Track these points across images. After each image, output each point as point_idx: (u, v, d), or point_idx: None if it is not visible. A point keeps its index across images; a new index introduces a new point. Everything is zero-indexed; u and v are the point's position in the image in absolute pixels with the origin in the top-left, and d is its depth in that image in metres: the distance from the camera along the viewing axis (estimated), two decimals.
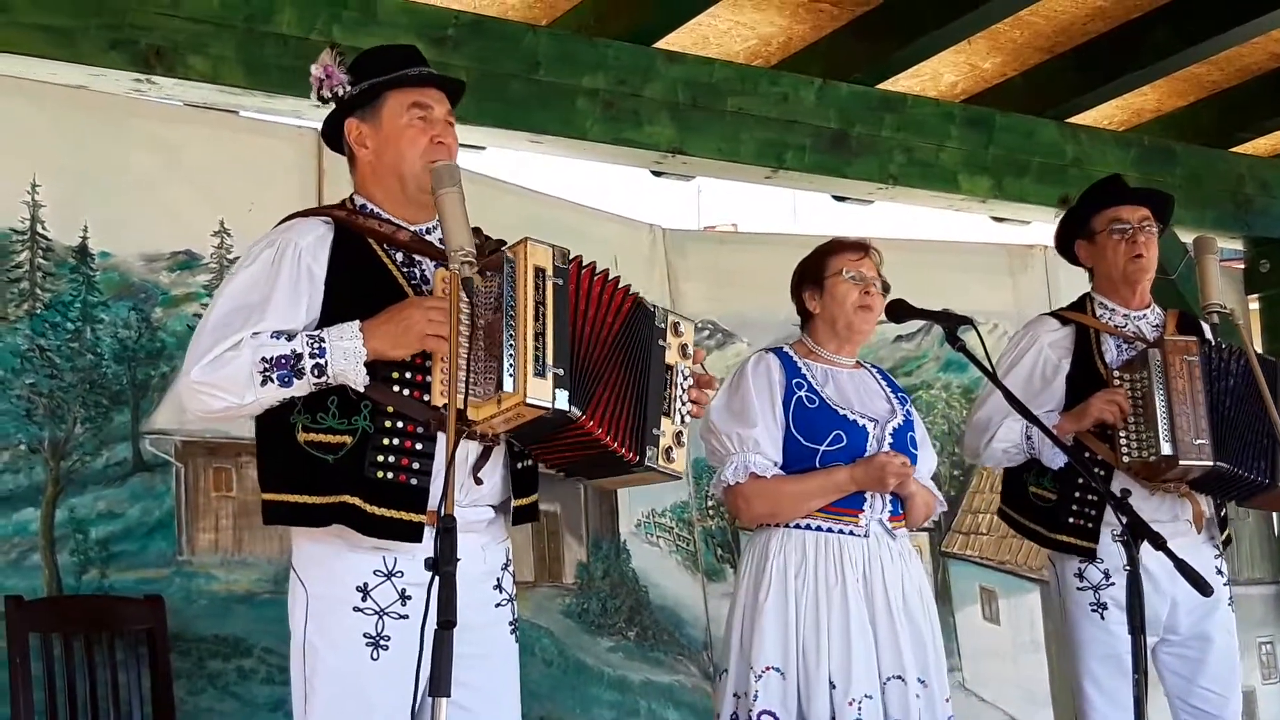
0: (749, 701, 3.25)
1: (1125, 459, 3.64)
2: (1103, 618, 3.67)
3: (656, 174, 5.08)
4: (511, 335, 2.48)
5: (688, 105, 4.75)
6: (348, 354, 2.57)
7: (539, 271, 2.53)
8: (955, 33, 4.78)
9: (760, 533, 3.42)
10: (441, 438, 2.58)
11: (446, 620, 2.13)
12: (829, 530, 3.34)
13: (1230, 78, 5.57)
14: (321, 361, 2.57)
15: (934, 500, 3.52)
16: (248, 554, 4.03)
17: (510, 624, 2.84)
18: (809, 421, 3.38)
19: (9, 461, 3.74)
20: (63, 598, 3.75)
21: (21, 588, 3.65)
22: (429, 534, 2.56)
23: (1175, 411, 3.59)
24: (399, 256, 2.74)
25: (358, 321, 2.59)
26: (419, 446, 2.61)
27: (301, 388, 2.59)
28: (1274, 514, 6.35)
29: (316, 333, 2.60)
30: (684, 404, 2.73)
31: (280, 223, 2.79)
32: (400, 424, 2.61)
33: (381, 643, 2.62)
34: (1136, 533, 2.86)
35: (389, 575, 2.65)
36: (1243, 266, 6.48)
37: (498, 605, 2.80)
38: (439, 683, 2.13)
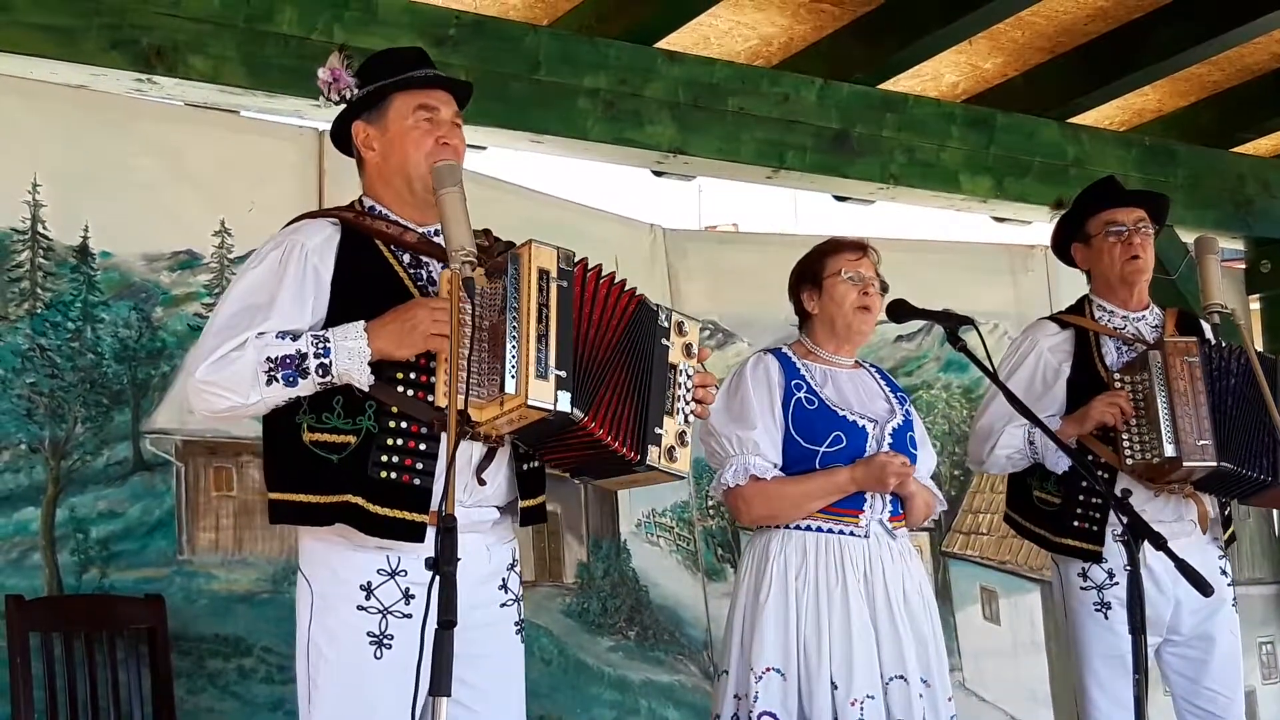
0: (749, 702, 3.25)
1: (1128, 461, 3.64)
2: (1106, 617, 3.68)
3: (657, 174, 5.08)
4: (515, 337, 2.48)
5: (689, 105, 4.74)
6: (352, 354, 2.58)
7: (543, 273, 2.53)
8: (956, 33, 4.78)
9: (760, 534, 3.42)
10: (445, 438, 2.59)
11: (447, 620, 2.13)
12: (829, 531, 3.33)
13: (1231, 78, 5.57)
14: (326, 361, 2.58)
15: (934, 499, 3.52)
16: (248, 553, 4.03)
17: (516, 624, 2.84)
18: (808, 423, 3.38)
19: (9, 461, 3.74)
20: (63, 597, 3.75)
21: (22, 587, 3.65)
22: (431, 534, 2.57)
23: (1177, 413, 3.58)
24: (406, 258, 2.74)
25: (362, 321, 2.60)
26: (423, 447, 2.62)
27: (306, 387, 2.60)
28: (1275, 514, 6.36)
29: (321, 333, 2.61)
30: (688, 403, 2.73)
31: (288, 224, 2.80)
32: (404, 424, 2.62)
33: (385, 641, 2.63)
34: (1136, 533, 2.86)
35: (392, 574, 2.65)
36: (1244, 267, 6.47)
37: (503, 605, 2.81)
38: (439, 682, 2.13)
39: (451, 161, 2.67)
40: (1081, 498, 3.71)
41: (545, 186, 4.95)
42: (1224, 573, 3.81)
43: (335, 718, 2.65)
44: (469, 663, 2.53)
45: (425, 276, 2.73)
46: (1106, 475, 3.69)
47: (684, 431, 2.70)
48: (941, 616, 3.56)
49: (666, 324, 2.73)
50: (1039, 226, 5.77)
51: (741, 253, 5.52)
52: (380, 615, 2.64)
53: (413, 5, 4.24)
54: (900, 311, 3.41)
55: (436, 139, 2.76)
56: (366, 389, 2.60)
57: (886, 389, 3.56)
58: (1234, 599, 3.84)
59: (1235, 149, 6.03)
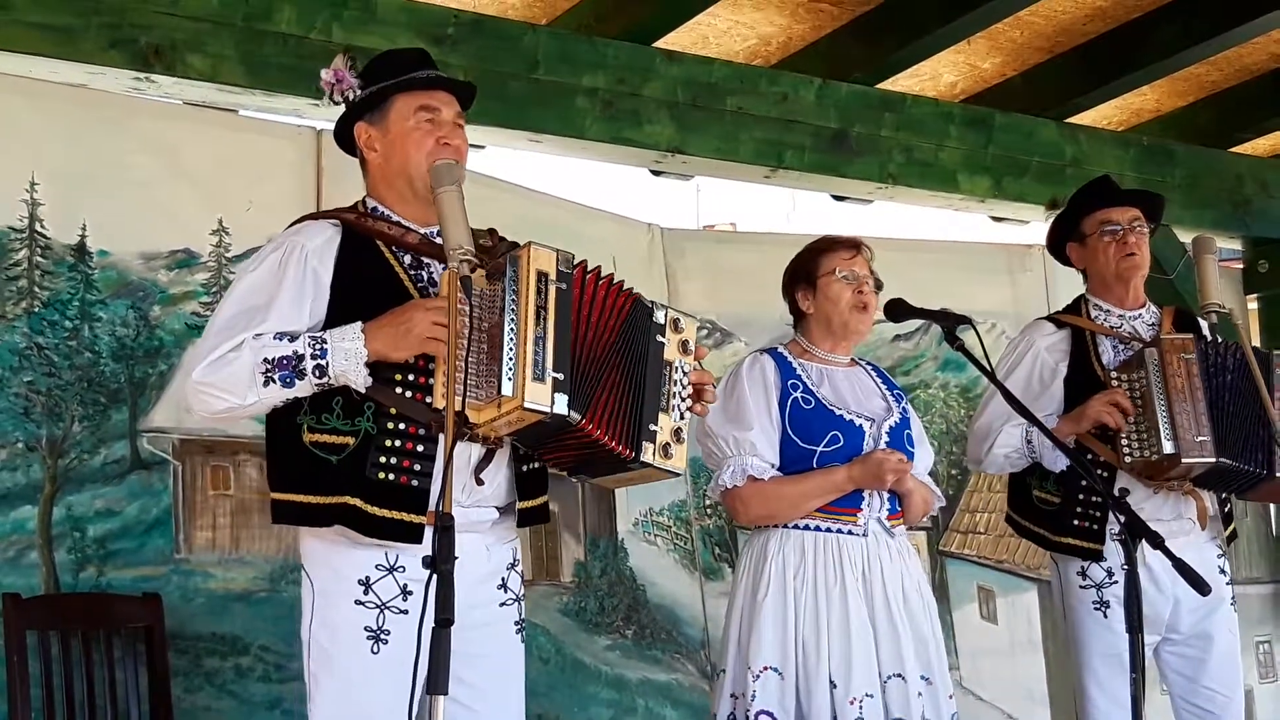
0: (746, 702, 3.24)
1: (1127, 459, 3.64)
2: (1105, 616, 3.68)
3: (656, 173, 5.08)
4: (512, 339, 2.48)
5: (687, 105, 4.74)
6: (349, 355, 2.58)
7: (542, 275, 2.53)
8: (955, 33, 4.78)
9: (759, 533, 3.42)
10: (443, 438, 2.59)
11: (444, 618, 2.13)
12: (828, 530, 3.33)
13: (1230, 78, 5.57)
14: (323, 362, 2.58)
15: (932, 496, 3.52)
16: (245, 552, 4.03)
17: (516, 624, 2.84)
18: (805, 423, 3.38)
19: (6, 459, 3.74)
20: (60, 595, 3.75)
21: (19, 585, 3.65)
22: (429, 534, 2.57)
23: (1175, 410, 3.59)
24: (407, 259, 2.75)
25: (360, 323, 2.61)
26: (420, 448, 2.62)
27: (304, 388, 2.60)
28: (1273, 514, 6.36)
29: (318, 334, 2.62)
30: (683, 400, 2.72)
31: (290, 225, 2.81)
32: (402, 425, 2.62)
33: (382, 637, 2.63)
34: (1134, 532, 2.86)
35: (391, 570, 2.66)
36: (1241, 267, 6.48)
37: (502, 605, 2.81)
38: (436, 681, 2.13)
39: (449, 160, 2.66)
40: (1081, 497, 3.71)
41: (543, 186, 4.95)
42: (1223, 571, 3.81)
43: (335, 712, 2.66)
44: (467, 661, 2.54)
45: (426, 277, 2.73)
46: (1105, 474, 3.69)
47: (680, 429, 2.69)
48: (939, 615, 3.56)
49: (662, 321, 2.72)
50: (1037, 226, 5.77)
51: (739, 252, 5.51)
52: (378, 610, 2.64)
53: (411, 4, 4.24)
54: (898, 311, 3.41)
55: (437, 139, 2.76)
56: (363, 390, 2.60)
57: (883, 387, 3.56)
58: (1233, 598, 3.84)
59: (1233, 149, 6.03)
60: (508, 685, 2.83)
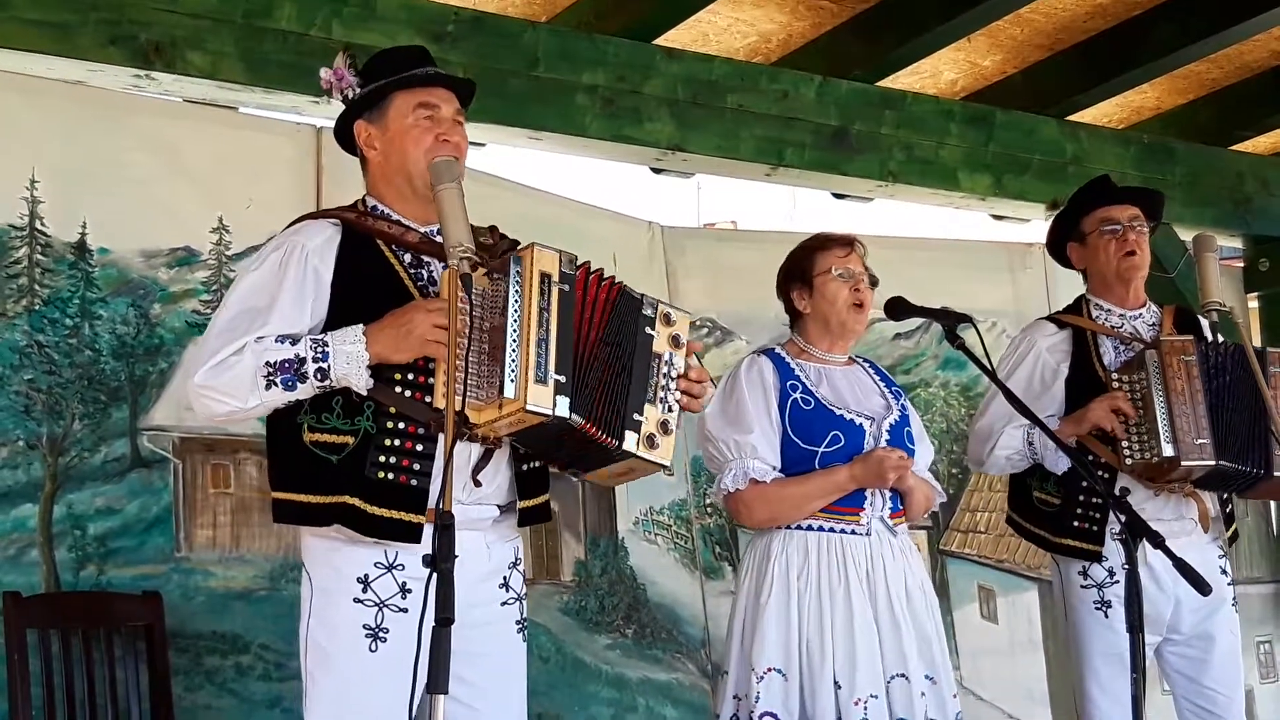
0: (750, 703, 3.23)
1: (1127, 461, 3.63)
2: (1106, 616, 3.67)
3: (656, 171, 5.07)
4: (515, 340, 2.48)
5: (687, 102, 4.74)
6: (350, 358, 2.58)
7: (545, 277, 2.53)
8: (955, 30, 4.78)
9: (761, 534, 3.40)
10: (442, 437, 2.58)
11: (444, 617, 2.13)
12: (830, 530, 3.32)
13: (1230, 75, 5.57)
14: (324, 365, 2.58)
15: (933, 493, 3.51)
16: (245, 550, 4.03)
17: (517, 623, 2.84)
18: (806, 423, 3.36)
19: (7, 458, 3.74)
20: (60, 594, 3.74)
21: (19, 584, 3.65)
22: (429, 534, 2.56)
23: (1175, 412, 3.58)
24: (407, 258, 2.74)
25: (361, 325, 2.60)
26: (420, 448, 2.62)
27: (305, 391, 2.60)
28: (1274, 514, 6.36)
29: (320, 336, 2.62)
30: (672, 393, 2.70)
31: (290, 225, 2.80)
32: (402, 425, 2.62)
33: (380, 635, 2.63)
34: (1135, 532, 2.86)
35: (390, 568, 2.65)
36: (1242, 265, 6.48)
37: (503, 604, 2.80)
38: (436, 680, 2.12)
39: (448, 157, 2.66)
40: (1081, 498, 3.70)
41: (543, 183, 4.95)
42: (1224, 572, 3.80)
43: (332, 711, 2.65)
44: (468, 661, 2.54)
45: (426, 276, 2.73)
46: (1106, 475, 3.69)
47: (666, 421, 2.67)
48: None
49: (652, 314, 2.70)
50: (1037, 224, 5.77)
51: (740, 250, 5.50)
52: (376, 608, 2.64)
53: (411, 1, 4.23)
54: (898, 309, 3.40)
55: (436, 136, 2.76)
56: (365, 392, 2.60)
57: (881, 384, 3.55)
58: (1234, 598, 3.84)
59: (1234, 147, 6.03)
60: (509, 684, 2.83)
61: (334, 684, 2.65)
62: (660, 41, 4.69)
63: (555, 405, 2.49)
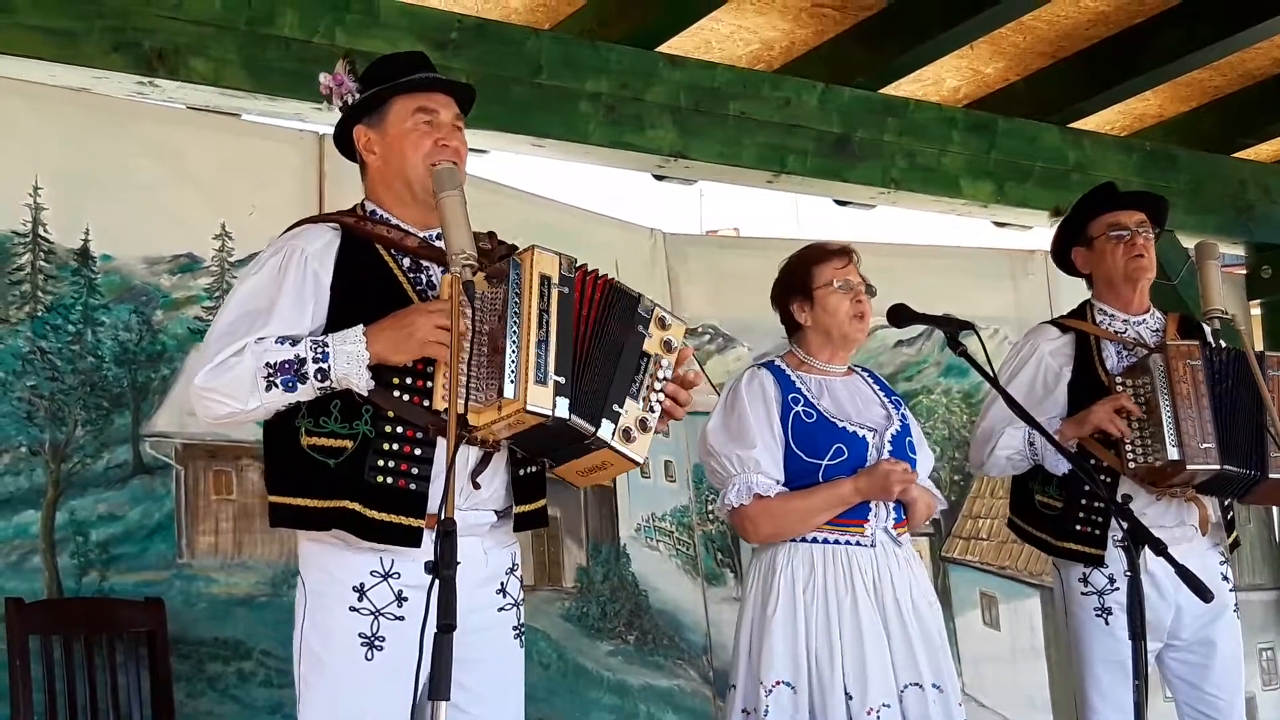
0: (759, 717, 3.21)
1: (1131, 464, 3.63)
2: (1107, 623, 3.67)
3: (658, 178, 5.08)
4: (515, 342, 2.48)
5: (690, 109, 4.74)
6: (350, 358, 2.58)
7: (545, 279, 2.53)
8: (958, 38, 4.78)
9: (766, 548, 3.38)
10: (441, 442, 2.59)
11: (447, 624, 2.13)
12: (835, 542, 3.31)
13: (1233, 83, 5.58)
14: (324, 366, 2.58)
15: (934, 501, 3.50)
16: (247, 557, 4.03)
17: (515, 628, 2.84)
18: (809, 436, 3.35)
19: (9, 464, 3.74)
20: (63, 600, 3.74)
21: (22, 590, 3.65)
22: (428, 538, 2.57)
23: (1180, 416, 3.58)
24: (406, 262, 2.74)
25: (361, 326, 2.60)
26: (418, 451, 2.62)
27: (306, 392, 2.60)
28: (1275, 520, 6.35)
29: (320, 337, 2.62)
30: (656, 394, 2.68)
31: (289, 229, 2.80)
32: (400, 429, 2.62)
33: (376, 643, 2.62)
34: (1137, 538, 2.85)
35: (385, 576, 2.65)
36: (1244, 272, 6.47)
37: (501, 610, 2.80)
38: (438, 686, 2.12)
39: (451, 165, 2.66)
40: (1084, 501, 3.70)
41: (546, 190, 4.96)
42: (1225, 578, 3.80)
43: (325, 717, 2.65)
44: (465, 666, 2.52)
45: (425, 280, 2.73)
46: (1108, 479, 3.69)
47: (646, 419, 2.65)
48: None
49: (647, 315, 2.70)
50: (1040, 231, 5.77)
51: (742, 257, 5.50)
52: (372, 617, 2.63)
53: (414, 9, 4.24)
54: (900, 316, 3.39)
55: (435, 140, 2.76)
56: (366, 394, 2.60)
57: (881, 394, 3.54)
58: (1235, 605, 3.84)
59: (1236, 154, 6.03)
60: (506, 690, 2.82)
61: (327, 690, 2.65)
62: (663, 49, 4.70)
63: (555, 406, 2.49)
